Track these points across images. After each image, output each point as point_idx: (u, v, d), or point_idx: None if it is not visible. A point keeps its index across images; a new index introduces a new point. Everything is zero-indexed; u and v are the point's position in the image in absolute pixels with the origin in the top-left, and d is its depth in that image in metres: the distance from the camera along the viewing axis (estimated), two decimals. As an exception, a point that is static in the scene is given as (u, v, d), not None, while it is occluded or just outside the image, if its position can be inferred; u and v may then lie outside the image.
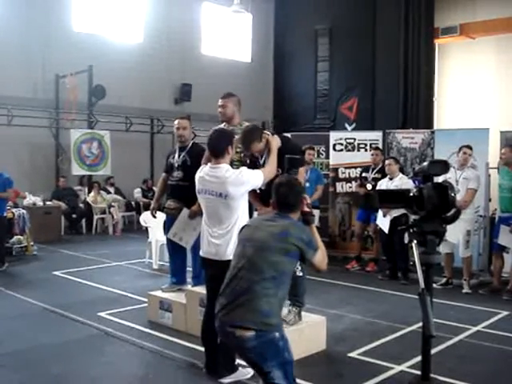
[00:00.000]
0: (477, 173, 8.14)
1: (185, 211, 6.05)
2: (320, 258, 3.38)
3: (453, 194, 2.23)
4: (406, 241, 2.37)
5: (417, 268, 2.22)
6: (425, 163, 2.35)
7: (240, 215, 4.48)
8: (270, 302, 3.18)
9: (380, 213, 8.47)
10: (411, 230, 2.28)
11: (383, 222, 8.44)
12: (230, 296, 3.22)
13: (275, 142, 5.07)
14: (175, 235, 6.21)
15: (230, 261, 4.21)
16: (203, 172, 4.63)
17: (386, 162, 8.79)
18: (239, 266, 3.25)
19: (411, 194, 2.31)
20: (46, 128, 14.05)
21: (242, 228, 3.52)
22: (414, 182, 8.22)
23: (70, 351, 5.46)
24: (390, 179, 8.57)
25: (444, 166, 2.34)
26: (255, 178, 4.49)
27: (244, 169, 4.58)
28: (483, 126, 9.78)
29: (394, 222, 8.13)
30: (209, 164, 4.64)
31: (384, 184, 8.57)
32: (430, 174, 2.27)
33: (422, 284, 2.15)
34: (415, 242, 2.26)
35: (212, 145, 4.59)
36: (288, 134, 7.41)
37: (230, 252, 4.35)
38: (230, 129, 5.62)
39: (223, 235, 4.48)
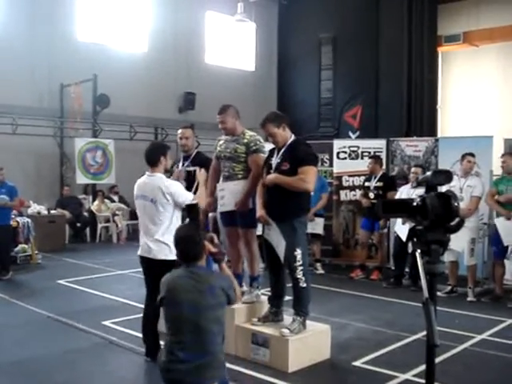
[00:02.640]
0: (481, 180, 8.13)
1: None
2: (237, 295, 3.59)
3: (456, 204, 2.23)
4: (410, 250, 2.38)
5: (421, 277, 2.22)
6: (428, 173, 2.36)
7: (172, 222, 5.02)
8: (223, 351, 3.45)
9: (399, 220, 8.38)
10: (415, 240, 2.28)
11: (402, 229, 8.33)
12: (186, 357, 3.28)
13: (202, 176, 5.51)
14: None
15: (162, 261, 4.91)
16: (141, 179, 5.22)
17: (412, 169, 8.73)
18: (185, 331, 3.32)
19: (414, 204, 2.31)
20: (51, 137, 14.10)
21: (166, 289, 3.47)
22: None
23: (73, 360, 5.47)
24: (414, 187, 8.45)
25: (448, 176, 2.34)
26: (183, 197, 5.01)
27: (176, 184, 5.18)
28: (487, 133, 9.77)
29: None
30: (147, 172, 5.20)
31: (405, 191, 8.47)
32: (434, 183, 2.27)
33: (425, 293, 2.15)
34: (419, 251, 2.26)
35: (147, 155, 5.17)
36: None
37: (164, 253, 5.00)
38: (233, 139, 5.62)
39: (157, 237, 5.04)
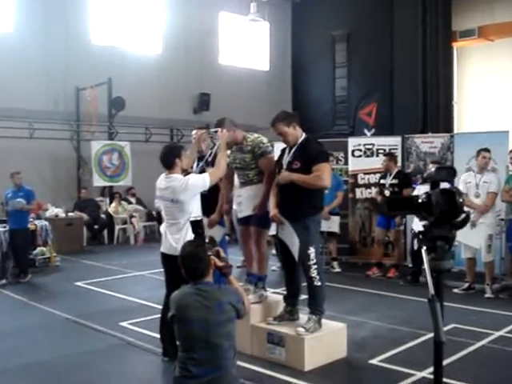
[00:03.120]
0: (497, 176, 8.06)
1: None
2: (246, 307, 3.59)
3: (461, 200, 2.23)
4: (416, 247, 2.39)
5: (426, 274, 2.21)
6: (432, 169, 2.36)
7: (191, 213, 5.10)
8: (235, 365, 3.44)
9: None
10: (420, 236, 2.28)
11: (419, 226, 8.27)
12: (198, 372, 3.30)
13: (223, 138, 5.37)
14: None
15: None
16: (159, 181, 5.30)
17: (430, 166, 8.66)
18: (196, 347, 3.34)
19: (420, 201, 2.31)
20: (67, 140, 14.23)
21: (176, 307, 3.47)
22: None
23: (91, 361, 5.52)
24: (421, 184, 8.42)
25: (450, 172, 2.34)
26: (201, 182, 5.12)
27: (191, 176, 5.24)
28: (504, 128, 9.68)
29: None
30: (163, 174, 5.26)
31: (423, 188, 8.40)
32: (437, 179, 2.27)
33: (431, 290, 2.15)
34: (424, 248, 2.26)
35: (163, 159, 5.23)
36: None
37: None
38: (238, 148, 5.59)
39: (179, 233, 5.09)
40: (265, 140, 5.61)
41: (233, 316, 3.42)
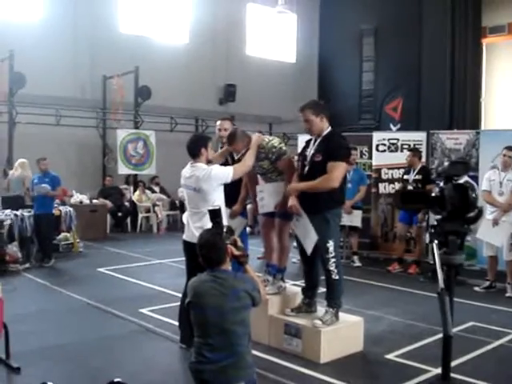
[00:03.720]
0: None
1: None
2: (262, 296, 3.59)
3: (474, 195, 2.23)
4: (427, 241, 2.40)
5: (437, 268, 2.21)
6: (445, 164, 2.36)
7: (214, 203, 4.94)
8: (249, 352, 3.47)
9: None
10: (432, 231, 2.28)
11: None
12: (214, 358, 3.35)
13: (255, 138, 5.42)
14: None
15: None
16: (185, 169, 5.35)
17: None
18: (211, 333, 3.38)
19: (433, 195, 2.31)
20: (93, 128, 14.37)
21: (193, 294, 3.51)
22: None
23: (111, 346, 5.61)
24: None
25: (464, 167, 2.34)
26: (224, 174, 5.16)
27: (215, 166, 5.24)
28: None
29: None
30: (189, 163, 5.31)
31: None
32: (451, 174, 2.27)
33: (441, 284, 2.15)
34: (436, 242, 2.26)
35: (189, 147, 5.29)
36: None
37: None
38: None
39: (200, 221, 5.12)
40: (276, 143, 5.56)
41: (248, 303, 3.45)
